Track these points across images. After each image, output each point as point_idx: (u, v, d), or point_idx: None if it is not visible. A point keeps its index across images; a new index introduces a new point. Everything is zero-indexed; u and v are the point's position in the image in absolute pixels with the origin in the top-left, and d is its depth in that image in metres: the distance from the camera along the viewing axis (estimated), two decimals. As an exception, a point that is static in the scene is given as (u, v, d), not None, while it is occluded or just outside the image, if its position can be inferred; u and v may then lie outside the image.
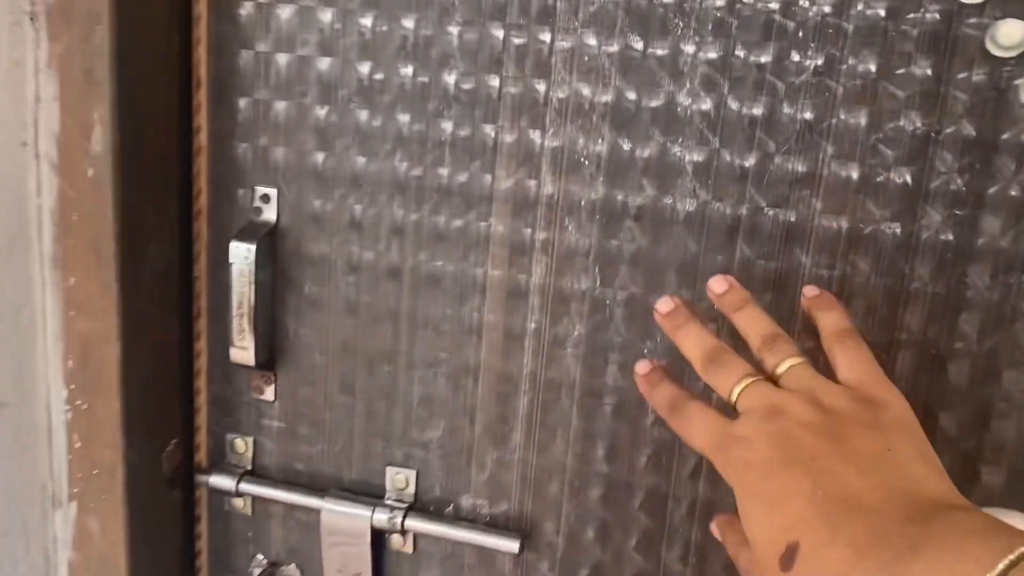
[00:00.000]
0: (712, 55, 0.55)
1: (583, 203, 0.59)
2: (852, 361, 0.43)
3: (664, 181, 0.57)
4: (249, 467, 0.71)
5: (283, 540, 0.72)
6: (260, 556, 0.73)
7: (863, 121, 0.53)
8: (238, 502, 0.72)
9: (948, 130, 0.52)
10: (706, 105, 0.55)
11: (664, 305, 0.50)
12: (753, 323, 0.47)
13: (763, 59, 0.54)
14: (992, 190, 0.52)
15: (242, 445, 0.70)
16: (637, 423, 0.61)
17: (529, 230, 0.60)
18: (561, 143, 0.58)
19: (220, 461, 0.71)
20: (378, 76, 0.61)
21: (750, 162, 0.55)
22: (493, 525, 0.66)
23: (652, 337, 0.59)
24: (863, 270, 0.55)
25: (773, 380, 0.43)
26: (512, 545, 0.63)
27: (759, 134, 0.55)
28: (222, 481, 0.69)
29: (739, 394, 0.42)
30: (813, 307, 0.48)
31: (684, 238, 0.58)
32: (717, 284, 0.49)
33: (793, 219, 0.55)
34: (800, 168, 0.55)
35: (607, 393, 0.61)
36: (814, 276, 0.56)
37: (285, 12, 0.61)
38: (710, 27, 0.54)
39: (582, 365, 0.61)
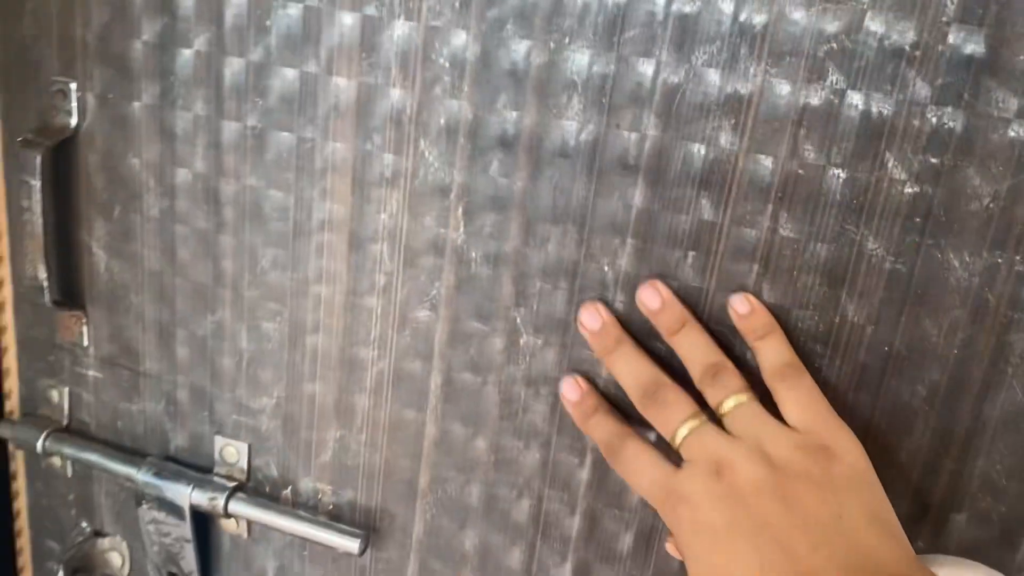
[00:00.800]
0: (613, -78, 0.39)
1: (443, 122, 0.44)
2: (799, 400, 0.39)
3: (548, 98, 0.42)
4: (65, 422, 0.59)
5: (108, 507, 0.61)
6: (84, 524, 0.62)
7: (815, 24, 0.38)
8: (55, 461, 0.60)
9: (933, 42, 0.37)
10: (602, -6, 0.40)
11: (590, 319, 0.44)
12: (693, 348, 0.42)
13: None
14: (985, 130, 0.37)
15: (56, 396, 0.59)
16: (509, 401, 0.48)
17: (377, 153, 0.46)
18: (414, 38, 0.44)
19: (33, 411, 0.60)
20: (189, -62, 0.46)
21: (662, 77, 0.41)
22: (336, 516, 0.54)
23: (527, 303, 0.46)
24: (797, 232, 0.41)
25: (717, 419, 0.40)
26: (351, 545, 0.51)
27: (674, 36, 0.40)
28: (26, 435, 0.57)
29: (682, 440, 0.40)
30: (746, 331, 0.42)
31: (570, 176, 0.43)
32: (648, 297, 0.43)
33: (711, 156, 0.41)
34: (726, 87, 0.40)
35: (474, 368, 0.48)
36: (733, 236, 0.41)
37: None
38: None
39: (446, 331, 0.48)
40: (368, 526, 0.53)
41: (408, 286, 0.48)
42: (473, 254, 0.46)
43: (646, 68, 0.40)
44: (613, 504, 0.47)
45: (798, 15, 0.38)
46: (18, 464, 0.62)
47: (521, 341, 0.46)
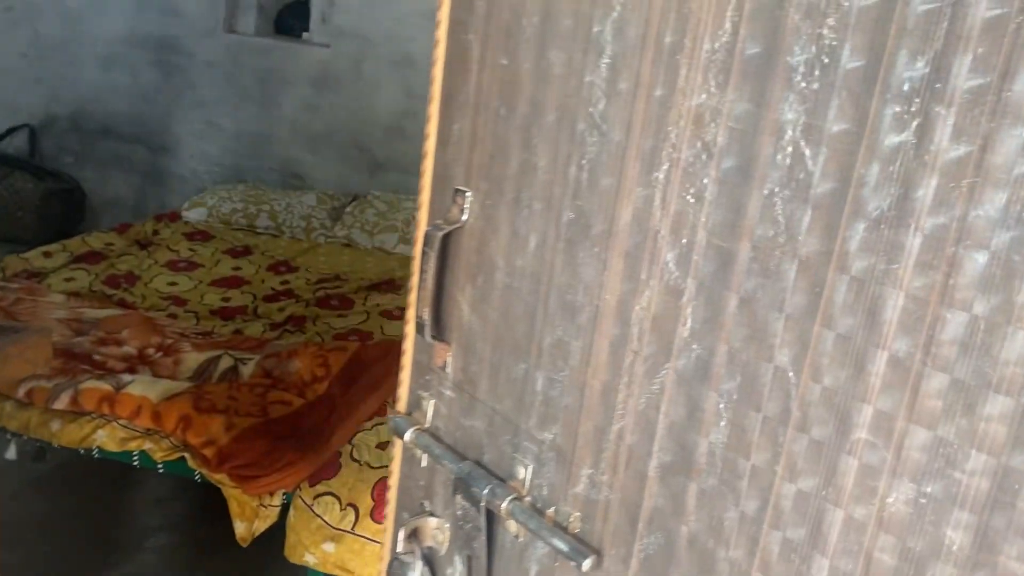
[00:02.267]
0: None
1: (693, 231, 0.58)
2: None
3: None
4: (427, 424, 0.82)
5: (441, 496, 0.82)
6: (425, 503, 0.84)
7: None
8: (416, 452, 0.84)
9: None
10: None
11: None
12: None
13: None
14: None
15: (425, 404, 0.83)
16: (729, 478, 0.58)
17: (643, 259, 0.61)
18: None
19: (411, 412, 0.85)
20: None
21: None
22: (580, 537, 0.68)
23: (758, 400, 0.57)
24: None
25: None
26: (585, 563, 0.65)
27: None
28: (403, 427, 0.82)
29: None
30: None
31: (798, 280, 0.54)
32: None
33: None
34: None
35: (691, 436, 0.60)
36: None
37: None
38: None
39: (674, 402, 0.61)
40: (599, 551, 0.66)
41: (648, 363, 0.61)
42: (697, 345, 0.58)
43: None
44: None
45: None
46: (396, 450, 0.87)
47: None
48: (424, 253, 0.75)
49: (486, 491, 0.73)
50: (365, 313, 2.63)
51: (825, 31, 0.49)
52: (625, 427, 0.64)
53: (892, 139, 0.47)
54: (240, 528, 1.68)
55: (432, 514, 0.84)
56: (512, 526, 0.74)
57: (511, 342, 0.73)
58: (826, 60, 0.49)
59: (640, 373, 0.62)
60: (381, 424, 1.86)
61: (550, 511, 0.71)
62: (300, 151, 3.80)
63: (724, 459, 0.57)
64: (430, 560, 0.82)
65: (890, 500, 0.49)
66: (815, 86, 0.50)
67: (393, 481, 0.88)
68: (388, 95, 3.63)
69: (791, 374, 0.53)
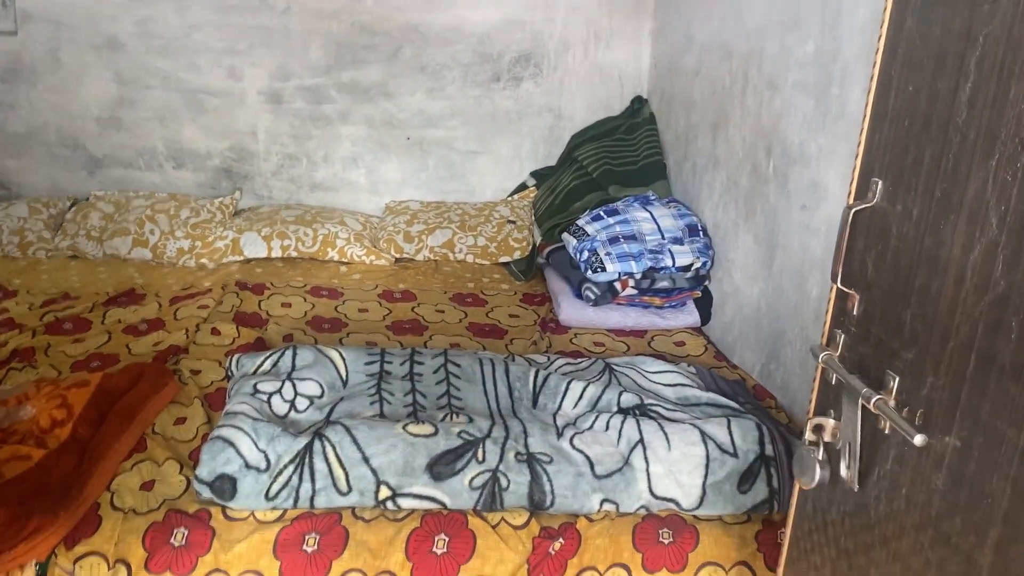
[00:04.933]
0: None
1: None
2: None
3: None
4: (836, 352, 1.09)
5: (839, 402, 1.08)
6: (830, 411, 1.12)
7: None
8: (829, 372, 1.09)
9: None
10: None
11: None
12: None
13: None
14: None
15: (838, 337, 1.09)
16: None
17: None
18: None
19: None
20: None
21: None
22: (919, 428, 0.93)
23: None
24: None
25: None
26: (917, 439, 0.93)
27: None
28: (819, 353, 1.11)
29: None
30: None
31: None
32: None
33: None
34: None
35: None
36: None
37: None
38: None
39: None
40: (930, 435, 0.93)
41: None
42: None
43: None
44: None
45: None
46: (816, 372, 1.06)
47: None
48: (842, 225, 1.05)
49: (870, 399, 0.98)
50: (106, 333, 2.35)
51: None
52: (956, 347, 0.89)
53: None
54: (-12, 614, 1.44)
55: (831, 416, 1.09)
56: (880, 422, 0.99)
57: (896, 289, 0.99)
58: None
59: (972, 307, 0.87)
60: (142, 461, 1.67)
61: (905, 411, 0.96)
62: (0, 156, 3.31)
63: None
64: (827, 449, 1.10)
65: None
66: None
67: (813, 396, 1.16)
68: (95, 83, 3.25)
69: None
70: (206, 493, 1.54)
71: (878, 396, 0.98)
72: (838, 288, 1.08)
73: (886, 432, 1.00)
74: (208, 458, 1.56)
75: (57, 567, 1.46)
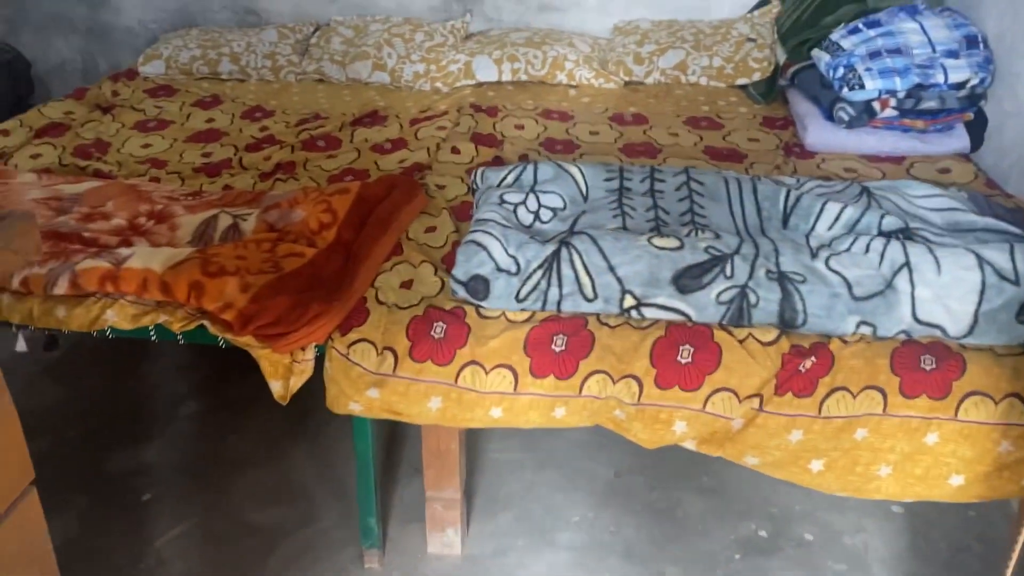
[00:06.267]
0: None
1: None
2: None
3: None
4: None
5: None
6: None
7: None
8: None
9: None
10: None
11: None
12: None
13: None
14: None
15: None
16: None
17: None
18: None
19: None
20: None
21: None
22: None
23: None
24: None
25: None
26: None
27: None
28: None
29: None
30: None
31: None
32: None
33: None
34: None
35: None
36: None
37: None
38: None
39: None
40: None
41: None
42: None
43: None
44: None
45: None
46: None
47: None
48: None
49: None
50: (355, 151, 2.48)
51: None
52: None
53: None
54: (276, 388, 1.63)
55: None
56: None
57: None
58: None
59: None
60: (400, 263, 1.78)
61: None
62: (250, -17, 3.48)
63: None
64: None
65: None
66: None
67: None
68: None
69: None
70: (461, 292, 1.62)
71: None
72: None
73: None
74: (463, 259, 1.62)
75: (334, 350, 1.61)
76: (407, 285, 1.71)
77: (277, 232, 1.87)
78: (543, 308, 1.60)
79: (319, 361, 1.65)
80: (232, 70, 3.13)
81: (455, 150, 2.42)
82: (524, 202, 1.83)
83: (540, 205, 1.83)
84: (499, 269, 1.61)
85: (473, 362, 1.56)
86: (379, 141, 2.55)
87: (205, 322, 1.65)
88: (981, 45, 2.30)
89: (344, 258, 1.80)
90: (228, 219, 1.90)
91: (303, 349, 1.63)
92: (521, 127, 2.62)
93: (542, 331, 1.57)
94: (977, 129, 2.34)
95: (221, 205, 1.98)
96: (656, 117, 2.71)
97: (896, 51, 2.34)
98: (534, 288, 1.60)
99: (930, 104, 2.30)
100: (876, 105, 2.33)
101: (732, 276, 1.58)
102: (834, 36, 2.51)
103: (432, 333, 1.58)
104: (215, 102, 2.89)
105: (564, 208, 1.85)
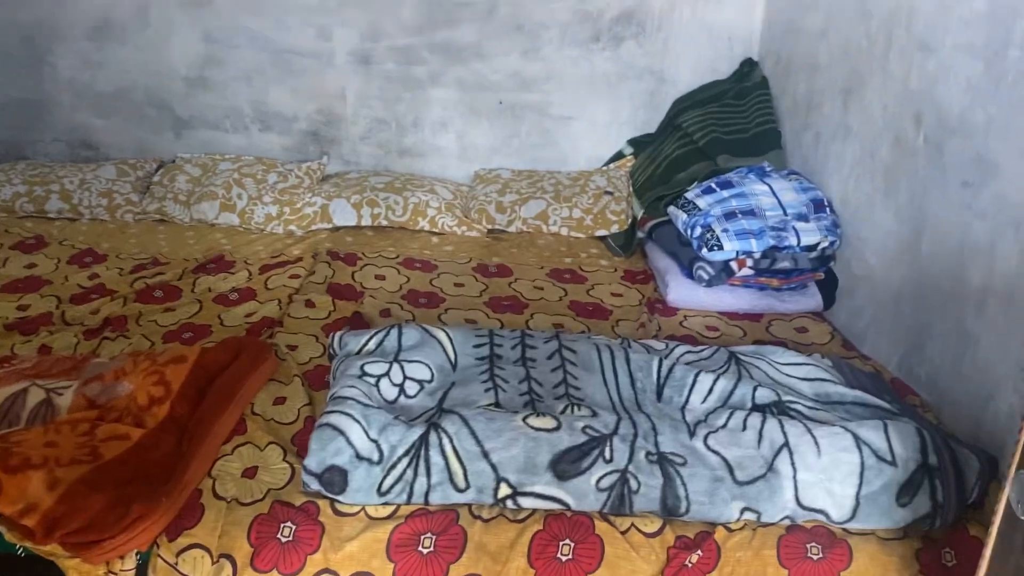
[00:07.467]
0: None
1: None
2: None
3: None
4: None
5: None
6: None
7: None
8: None
9: None
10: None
11: None
12: None
13: None
14: None
15: None
16: None
17: None
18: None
19: None
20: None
21: None
22: None
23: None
24: None
25: None
26: None
27: None
28: None
29: None
30: None
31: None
32: None
33: None
34: None
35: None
36: None
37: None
38: None
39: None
40: None
41: None
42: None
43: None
44: None
45: None
46: None
47: None
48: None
49: None
50: (197, 302, 2.27)
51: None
52: None
53: None
54: (87, 604, 1.36)
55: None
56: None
57: None
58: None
59: None
60: (242, 444, 1.57)
61: None
62: (87, 116, 3.25)
63: None
64: None
65: None
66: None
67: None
68: (183, 42, 3.15)
69: None
70: (314, 485, 1.43)
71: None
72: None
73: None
74: (317, 447, 1.44)
75: (159, 559, 1.37)
76: (250, 474, 1.50)
77: (99, 408, 1.63)
78: (409, 501, 1.44)
79: (141, 571, 1.39)
80: (62, 208, 2.86)
81: (310, 303, 2.25)
82: (388, 373, 1.68)
83: (405, 377, 1.69)
84: (359, 457, 1.44)
85: (327, 571, 1.36)
86: (224, 291, 2.35)
87: (1, 528, 1.37)
88: (827, 209, 2.41)
89: (177, 439, 1.57)
90: (40, 394, 1.64)
91: (121, 558, 1.37)
92: (382, 277, 2.50)
93: (408, 529, 1.39)
94: (829, 288, 2.42)
95: (33, 376, 1.71)
96: (520, 268, 2.66)
97: (750, 213, 2.41)
98: (399, 479, 1.43)
99: (784, 264, 2.37)
100: (734, 264, 2.37)
101: (612, 460, 1.48)
102: (689, 195, 2.57)
103: (279, 536, 1.37)
104: (39, 244, 2.61)
105: (432, 380, 1.71)
